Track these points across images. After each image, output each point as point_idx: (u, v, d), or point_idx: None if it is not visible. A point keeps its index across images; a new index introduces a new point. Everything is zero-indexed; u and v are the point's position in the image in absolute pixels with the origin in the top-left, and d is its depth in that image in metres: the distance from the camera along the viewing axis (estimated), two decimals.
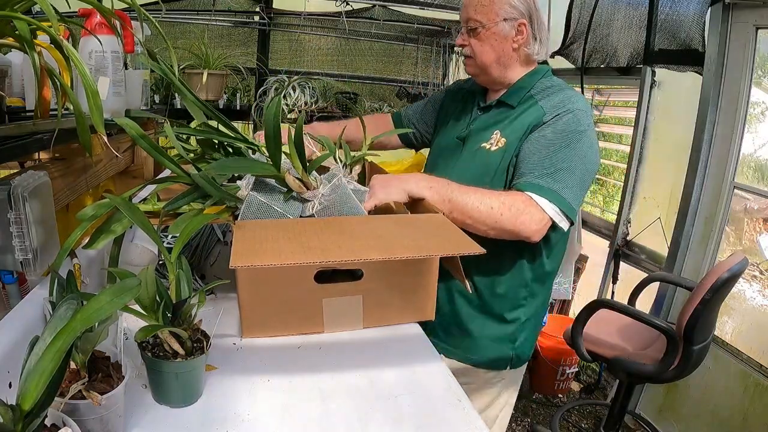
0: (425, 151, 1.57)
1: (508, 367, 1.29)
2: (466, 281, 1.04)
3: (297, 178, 0.97)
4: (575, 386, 2.82)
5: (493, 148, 1.18)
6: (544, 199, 1.05)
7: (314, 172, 1.01)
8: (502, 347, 1.26)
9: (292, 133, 0.95)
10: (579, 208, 1.12)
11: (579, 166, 1.09)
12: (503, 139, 1.17)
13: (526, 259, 1.20)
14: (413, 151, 1.63)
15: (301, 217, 0.97)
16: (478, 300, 1.23)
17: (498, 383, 1.31)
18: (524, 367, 1.35)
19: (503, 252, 1.17)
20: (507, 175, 1.16)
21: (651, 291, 2.28)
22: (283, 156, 0.97)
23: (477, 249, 0.83)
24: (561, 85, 1.20)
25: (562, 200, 1.06)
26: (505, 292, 1.22)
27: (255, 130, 3.15)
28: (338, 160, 1.16)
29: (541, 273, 1.23)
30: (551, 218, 1.06)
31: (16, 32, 0.68)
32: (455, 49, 3.66)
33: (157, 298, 0.73)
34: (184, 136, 1.08)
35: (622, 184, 2.69)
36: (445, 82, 3.75)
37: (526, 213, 1.04)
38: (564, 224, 1.09)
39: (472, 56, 1.21)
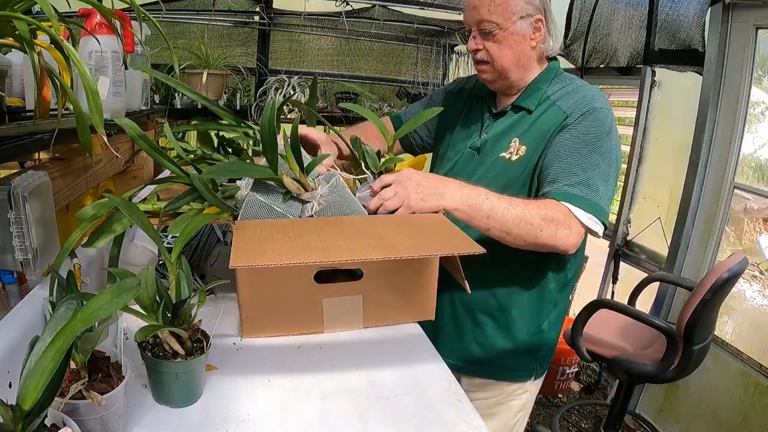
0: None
1: (533, 378, 1.25)
2: (466, 283, 1.01)
3: (295, 180, 0.97)
4: (575, 386, 2.82)
5: (514, 157, 1.12)
6: (580, 210, 1.00)
7: (313, 172, 1.01)
8: (526, 359, 1.22)
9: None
10: (609, 210, 1.08)
11: (609, 169, 1.04)
12: (523, 147, 1.11)
13: (551, 270, 1.16)
14: None
15: (300, 218, 0.97)
16: (503, 316, 1.19)
17: (522, 395, 1.26)
18: (541, 380, 1.31)
19: (529, 265, 1.14)
20: (531, 185, 1.11)
21: (651, 291, 2.28)
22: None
23: (477, 249, 0.83)
24: (576, 83, 1.14)
25: (597, 208, 1.01)
26: (532, 305, 1.18)
27: None
28: (373, 170, 1.10)
29: (563, 281, 1.19)
30: (587, 227, 1.02)
31: (16, 32, 0.68)
32: (456, 50, 3.66)
33: (157, 298, 0.73)
34: (180, 134, 1.08)
35: (622, 184, 2.69)
36: (445, 82, 3.75)
37: (564, 227, 0.99)
38: (599, 228, 1.04)
39: (489, 61, 1.12)
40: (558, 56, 1.21)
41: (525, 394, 1.26)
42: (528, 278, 1.16)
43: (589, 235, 1.09)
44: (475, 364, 1.22)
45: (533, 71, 1.16)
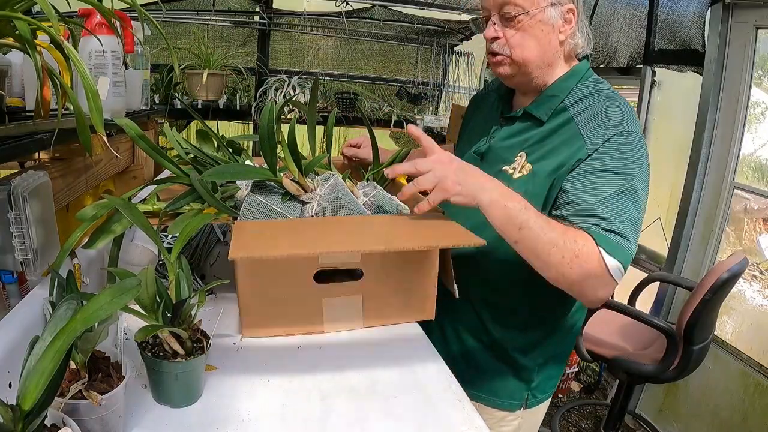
0: None
1: (523, 408, 1.14)
2: (456, 287, 0.97)
3: (294, 181, 0.96)
4: (575, 386, 2.82)
5: (516, 174, 0.99)
6: (615, 260, 0.87)
7: (311, 173, 1.01)
8: (515, 388, 1.13)
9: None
10: None
11: (639, 213, 0.92)
12: (528, 165, 0.98)
13: (540, 288, 0.97)
14: None
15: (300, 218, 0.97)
16: (487, 335, 1.10)
17: (513, 422, 1.16)
18: (544, 406, 1.20)
19: (517, 283, 1.03)
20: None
21: (651, 291, 2.29)
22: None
23: (476, 240, 0.85)
24: (603, 94, 0.99)
25: (629, 258, 0.89)
26: (517, 327, 1.09)
27: (255, 130, 3.15)
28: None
29: (561, 305, 1.06)
30: (615, 278, 0.89)
31: (17, 32, 0.68)
32: (456, 50, 3.66)
33: (157, 298, 0.73)
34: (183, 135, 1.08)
35: None
36: (444, 83, 3.75)
37: (597, 278, 0.87)
38: (620, 278, 0.91)
39: (509, 53, 0.98)
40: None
41: (516, 420, 1.16)
42: (515, 298, 1.06)
43: None
44: (462, 381, 1.03)
45: (558, 70, 1.02)
